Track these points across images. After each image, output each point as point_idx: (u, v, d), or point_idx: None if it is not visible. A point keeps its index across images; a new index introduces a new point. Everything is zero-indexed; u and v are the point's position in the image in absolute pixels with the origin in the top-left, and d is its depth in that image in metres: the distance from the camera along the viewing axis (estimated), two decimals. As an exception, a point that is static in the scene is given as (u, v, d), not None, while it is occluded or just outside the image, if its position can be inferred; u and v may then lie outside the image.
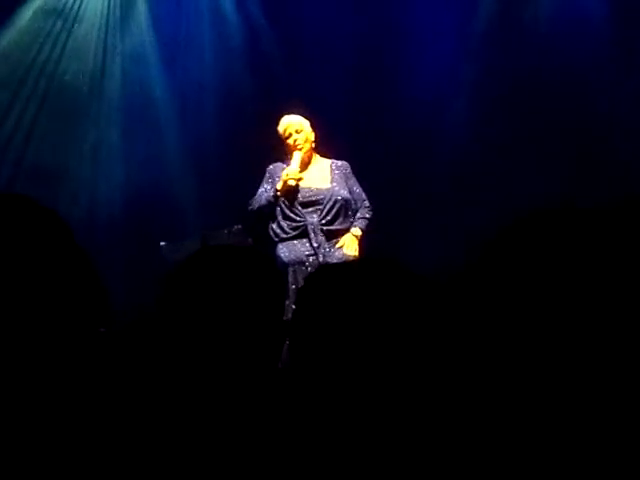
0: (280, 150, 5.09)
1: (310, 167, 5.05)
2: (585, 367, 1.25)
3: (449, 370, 1.34)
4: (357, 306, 1.37)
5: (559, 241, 1.29)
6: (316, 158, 5.10)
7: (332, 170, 5.07)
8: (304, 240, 4.89)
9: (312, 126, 5.06)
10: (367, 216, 5.04)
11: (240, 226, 5.53)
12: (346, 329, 1.35)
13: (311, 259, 4.84)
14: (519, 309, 1.29)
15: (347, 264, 1.57)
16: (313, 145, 5.06)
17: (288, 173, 4.92)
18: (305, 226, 4.90)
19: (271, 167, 5.10)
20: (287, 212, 4.95)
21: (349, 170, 5.10)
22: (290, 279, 4.76)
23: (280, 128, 5.07)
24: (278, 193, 4.94)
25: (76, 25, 6.53)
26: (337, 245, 4.92)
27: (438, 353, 1.36)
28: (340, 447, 1.28)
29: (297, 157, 4.97)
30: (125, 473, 1.32)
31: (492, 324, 1.30)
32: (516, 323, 1.28)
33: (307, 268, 4.79)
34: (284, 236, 4.93)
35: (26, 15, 6.42)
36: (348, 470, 1.26)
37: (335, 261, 4.74)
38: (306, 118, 5.07)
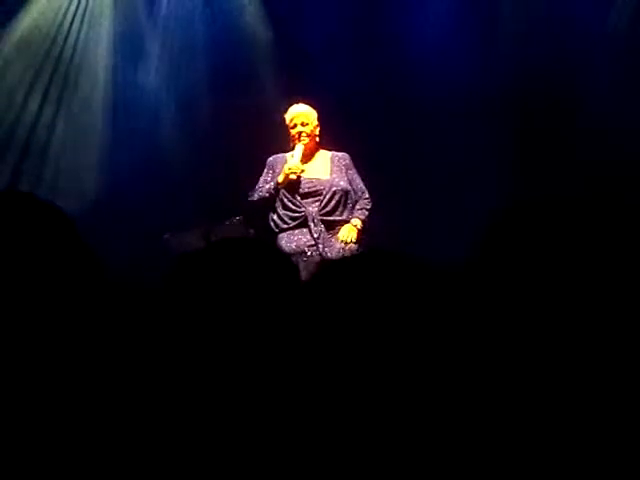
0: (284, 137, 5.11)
1: (311, 158, 5.07)
2: (584, 359, 1.27)
3: (456, 362, 1.35)
4: (365, 302, 1.37)
5: (549, 231, 1.31)
6: (317, 149, 5.12)
7: (332, 161, 5.08)
8: (304, 230, 4.91)
9: (318, 118, 5.08)
10: (367, 207, 5.05)
11: (241, 217, 5.54)
12: (354, 325, 1.35)
13: (312, 249, 4.87)
14: (520, 299, 1.31)
15: (350, 258, 1.57)
16: (317, 139, 5.09)
17: (291, 167, 4.94)
18: (305, 216, 4.92)
19: (271, 159, 5.11)
20: (287, 203, 4.96)
21: (349, 162, 5.11)
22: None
23: (287, 116, 5.09)
24: (279, 186, 4.97)
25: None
26: (337, 235, 4.95)
27: (447, 345, 1.36)
28: (346, 432, 1.29)
29: (299, 150, 4.99)
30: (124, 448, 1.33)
31: (497, 315, 1.31)
32: (519, 314, 1.30)
33: (308, 258, 4.82)
34: (284, 226, 4.95)
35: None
36: (351, 448, 1.27)
37: (335, 251, 4.81)
38: (314, 108, 5.09)
